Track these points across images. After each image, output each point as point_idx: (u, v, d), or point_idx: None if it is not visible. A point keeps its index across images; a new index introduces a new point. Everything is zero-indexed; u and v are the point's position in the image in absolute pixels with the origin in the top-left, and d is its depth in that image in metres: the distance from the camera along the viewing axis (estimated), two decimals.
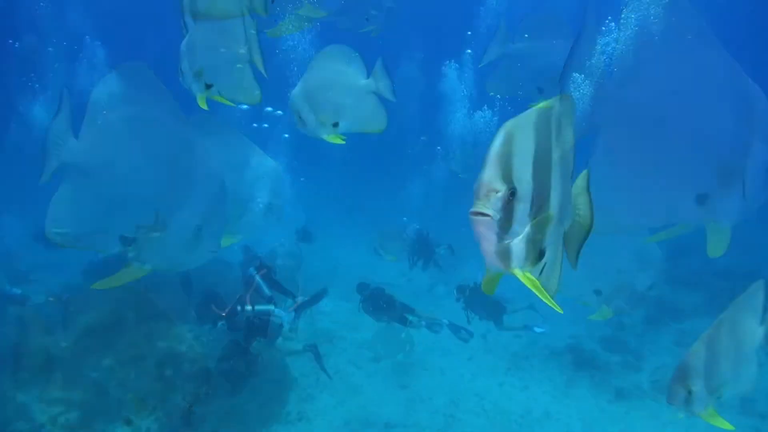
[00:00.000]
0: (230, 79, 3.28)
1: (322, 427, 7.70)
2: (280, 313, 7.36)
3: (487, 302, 8.14)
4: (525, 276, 1.94)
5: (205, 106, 3.40)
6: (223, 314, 7.27)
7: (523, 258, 1.88)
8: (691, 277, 12.89)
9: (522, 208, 1.81)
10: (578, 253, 2.17)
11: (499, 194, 1.75)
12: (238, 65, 3.29)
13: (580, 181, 2.09)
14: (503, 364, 9.47)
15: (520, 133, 1.80)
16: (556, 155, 1.87)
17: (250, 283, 8.38)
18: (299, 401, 8.16)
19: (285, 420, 7.76)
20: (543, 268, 2.00)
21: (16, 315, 9.91)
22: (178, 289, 10.47)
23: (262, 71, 3.31)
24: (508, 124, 1.82)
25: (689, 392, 2.96)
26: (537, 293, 1.96)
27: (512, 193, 1.76)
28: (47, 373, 8.11)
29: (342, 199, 20.93)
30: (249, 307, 7.29)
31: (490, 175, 1.75)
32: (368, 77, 3.34)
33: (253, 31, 3.22)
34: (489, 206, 1.77)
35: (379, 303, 8.34)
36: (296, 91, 3.30)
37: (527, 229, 1.84)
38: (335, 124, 3.37)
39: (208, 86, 3.28)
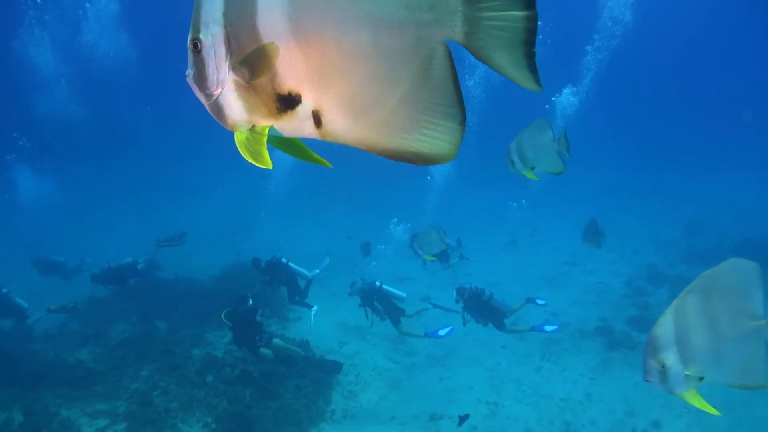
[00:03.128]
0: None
1: (369, 424, 7.71)
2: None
3: (485, 306, 8.11)
4: (686, 395, 2.73)
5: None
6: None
7: (684, 387, 2.71)
8: (709, 254, 12.96)
9: (674, 370, 2.67)
10: None
11: (656, 368, 2.69)
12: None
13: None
14: (537, 350, 9.49)
15: (659, 327, 2.66)
16: (699, 325, 2.68)
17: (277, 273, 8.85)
18: (342, 399, 8.17)
19: (331, 419, 7.76)
20: (714, 379, 2.75)
21: (43, 330, 9.91)
22: (204, 297, 10.53)
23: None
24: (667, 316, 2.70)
25: (663, 366, 2.78)
26: (694, 403, 2.74)
27: (663, 366, 2.66)
28: (86, 386, 8.09)
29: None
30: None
31: (647, 360, 2.69)
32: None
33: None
34: (652, 377, 2.71)
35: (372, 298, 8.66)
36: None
37: (683, 376, 2.68)
38: (533, 168, 4.73)
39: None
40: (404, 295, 8.83)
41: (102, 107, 25.53)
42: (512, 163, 4.75)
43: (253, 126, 1.42)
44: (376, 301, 8.65)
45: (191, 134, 23.68)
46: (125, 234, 14.45)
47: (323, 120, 1.34)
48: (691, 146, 28.41)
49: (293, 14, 1.26)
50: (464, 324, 8.30)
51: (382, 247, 12.82)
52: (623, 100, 37.68)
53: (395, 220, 14.53)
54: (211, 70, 1.40)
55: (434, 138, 1.23)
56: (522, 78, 1.21)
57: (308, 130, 1.37)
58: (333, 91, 1.30)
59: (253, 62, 1.34)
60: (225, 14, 1.34)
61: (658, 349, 2.77)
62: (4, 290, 9.43)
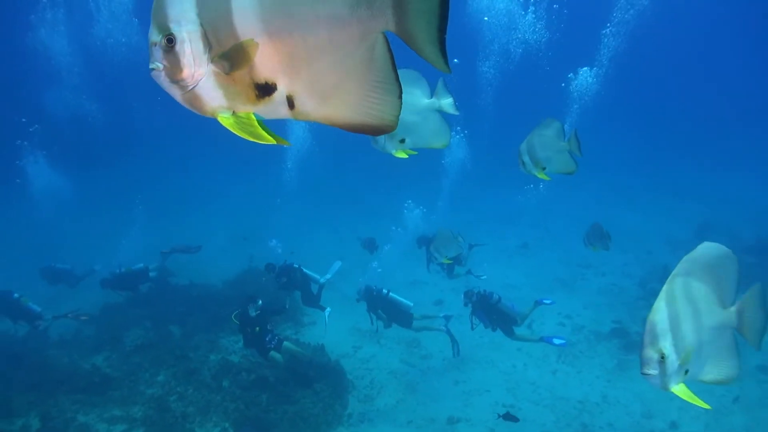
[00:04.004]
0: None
1: (386, 428, 7.69)
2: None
3: (493, 309, 8.07)
4: (677, 390, 2.69)
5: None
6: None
7: (675, 381, 2.66)
8: None
9: (671, 360, 2.60)
10: (760, 338, 2.81)
11: (655, 360, 2.60)
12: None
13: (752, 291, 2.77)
14: (553, 352, 9.44)
15: (655, 313, 2.62)
16: (686, 312, 2.66)
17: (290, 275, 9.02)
18: (359, 403, 8.16)
19: (348, 422, 7.74)
20: (691, 373, 2.71)
21: (58, 336, 9.93)
22: (217, 302, 10.53)
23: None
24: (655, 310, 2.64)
25: (662, 357, 2.63)
26: (686, 398, 2.69)
27: (662, 357, 2.59)
28: (103, 392, 8.10)
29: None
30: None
31: (646, 349, 2.61)
32: (431, 96, 3.60)
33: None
34: (650, 369, 2.61)
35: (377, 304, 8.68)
36: None
37: (676, 367, 2.62)
38: (402, 141, 3.68)
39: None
40: (411, 304, 8.83)
41: (114, 102, 25.39)
42: (523, 163, 4.69)
43: (234, 112, 1.62)
44: (381, 309, 8.65)
45: (203, 134, 23.68)
46: (136, 239, 14.47)
47: (296, 103, 1.58)
48: (702, 145, 28.31)
49: (265, 16, 1.49)
50: (472, 328, 8.25)
51: (388, 247, 12.83)
52: (635, 94, 37.33)
53: (410, 202, 14.56)
54: (187, 63, 1.55)
55: (380, 111, 1.53)
56: (435, 59, 1.48)
57: (283, 112, 1.60)
58: (302, 79, 1.55)
59: (233, 56, 1.53)
60: (199, 14, 1.53)
61: (657, 336, 2.65)
62: (16, 295, 9.45)
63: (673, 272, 2.71)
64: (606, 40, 20.97)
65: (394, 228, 13.51)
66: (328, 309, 9.13)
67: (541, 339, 8.37)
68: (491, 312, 8.09)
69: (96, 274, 11.57)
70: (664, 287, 2.68)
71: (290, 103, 1.59)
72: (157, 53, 1.57)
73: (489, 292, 8.05)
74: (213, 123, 1.70)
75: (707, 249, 2.73)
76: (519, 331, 8.30)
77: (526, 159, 4.67)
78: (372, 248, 12.13)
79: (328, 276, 9.49)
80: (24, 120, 19.50)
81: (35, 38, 21.18)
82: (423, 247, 10.17)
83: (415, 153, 3.89)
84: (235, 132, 1.61)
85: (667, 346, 2.62)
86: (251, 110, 1.61)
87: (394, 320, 8.73)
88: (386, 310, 8.69)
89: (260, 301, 7.86)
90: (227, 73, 1.55)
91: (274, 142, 1.63)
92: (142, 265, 10.88)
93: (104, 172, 24.18)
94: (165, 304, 10.60)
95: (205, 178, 23.83)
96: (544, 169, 4.71)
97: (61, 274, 11.84)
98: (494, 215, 18.11)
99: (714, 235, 14.07)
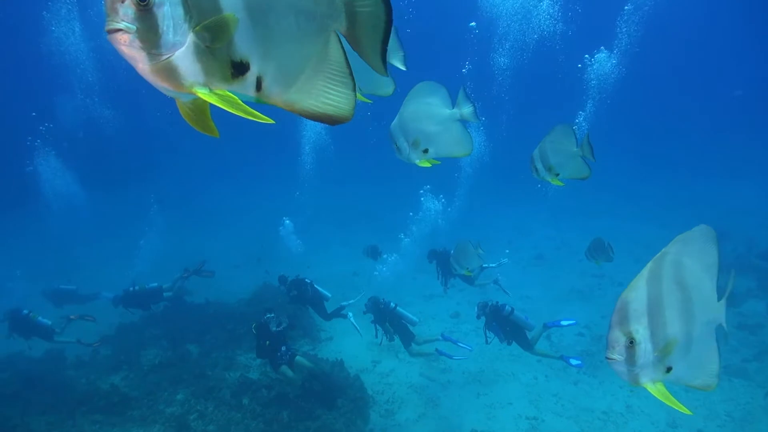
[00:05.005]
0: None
1: None
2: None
3: (506, 321, 7.92)
4: (653, 388, 2.37)
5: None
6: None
7: (650, 377, 2.35)
8: (737, 261, 12.80)
9: (643, 348, 2.29)
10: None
11: (622, 343, 2.29)
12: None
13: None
14: None
15: (632, 291, 2.33)
16: (672, 295, 2.34)
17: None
18: (380, 418, 8.07)
19: None
20: (676, 373, 2.39)
21: (75, 357, 9.89)
22: (234, 319, 10.49)
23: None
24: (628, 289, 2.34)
25: (631, 342, 2.26)
26: (664, 400, 2.37)
27: (631, 341, 2.29)
28: (122, 411, 8.04)
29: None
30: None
31: (613, 330, 2.32)
32: (453, 107, 3.68)
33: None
34: (615, 353, 2.31)
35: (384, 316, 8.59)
36: (393, 124, 3.73)
37: (651, 358, 2.30)
38: (425, 151, 3.74)
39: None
40: (416, 319, 8.76)
41: (127, 107, 25.29)
42: (536, 170, 4.68)
43: (210, 90, 1.54)
44: (388, 322, 8.58)
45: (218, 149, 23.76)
46: (150, 256, 14.48)
47: (263, 84, 1.59)
48: (713, 153, 28.20)
49: None
50: (487, 342, 8.11)
51: (391, 257, 12.78)
52: (653, 78, 36.96)
53: (428, 186, 14.50)
54: (165, 29, 1.42)
55: (337, 102, 1.59)
56: (377, 65, 1.64)
57: (251, 93, 1.59)
58: (272, 61, 1.57)
59: (215, 28, 1.47)
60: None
61: (628, 318, 2.30)
62: (25, 311, 9.43)
63: (663, 250, 2.37)
64: (624, 22, 20.78)
65: (411, 214, 13.44)
66: (350, 313, 9.09)
67: (561, 357, 8.21)
68: (504, 324, 7.98)
69: (102, 298, 11.52)
70: (649, 264, 2.35)
71: (258, 84, 1.58)
72: (127, 12, 1.40)
73: (501, 303, 7.95)
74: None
75: (706, 231, 2.42)
76: (539, 346, 8.17)
77: (539, 166, 4.66)
78: (375, 255, 12.05)
79: (352, 301, 9.37)
80: (34, 114, 19.29)
81: (50, 38, 20.97)
82: (434, 261, 10.08)
83: (439, 162, 3.94)
84: (220, 106, 1.53)
85: (639, 330, 2.28)
86: (225, 89, 1.55)
87: (399, 335, 8.64)
88: (393, 323, 8.62)
89: (285, 323, 7.86)
90: (207, 46, 1.48)
91: (264, 120, 1.58)
92: (156, 284, 10.84)
93: (116, 177, 24.14)
94: (181, 322, 10.57)
95: (221, 194, 23.89)
96: (557, 175, 4.70)
97: (66, 294, 11.83)
98: (507, 226, 18.07)
99: (729, 243, 14.02)
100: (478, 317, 8.14)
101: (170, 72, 1.47)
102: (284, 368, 7.77)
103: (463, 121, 3.74)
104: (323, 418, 7.55)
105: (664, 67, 37.99)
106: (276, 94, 1.59)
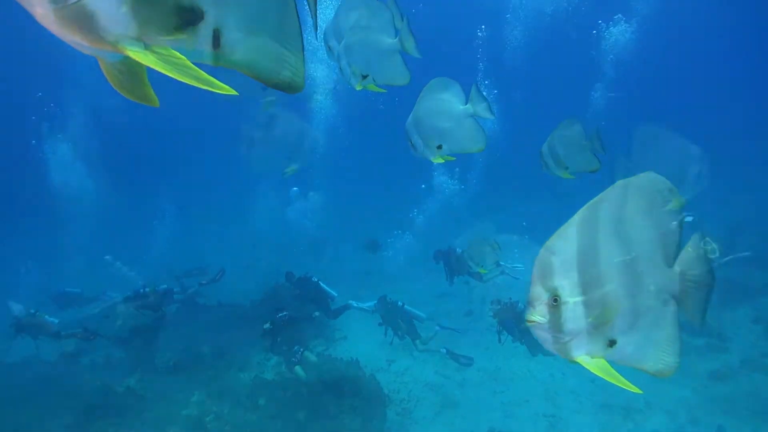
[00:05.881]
0: (383, 67, 3.58)
1: None
2: None
3: (520, 318, 7.76)
4: (590, 363, 1.95)
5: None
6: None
7: (586, 350, 1.90)
8: (755, 254, 12.64)
9: (571, 309, 1.82)
10: (704, 313, 2.07)
11: (544, 301, 1.83)
12: (390, 54, 3.52)
13: (692, 244, 2.02)
14: None
15: (558, 239, 1.87)
16: (610, 248, 1.88)
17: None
18: (397, 417, 8.03)
19: None
20: (622, 350, 1.98)
21: (89, 360, 9.89)
22: (246, 320, 10.46)
23: (416, 54, 3.50)
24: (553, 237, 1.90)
25: (555, 300, 1.82)
26: (605, 377, 1.98)
27: (555, 299, 1.83)
28: (138, 414, 8.02)
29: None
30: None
31: (534, 285, 1.86)
32: (466, 103, 3.66)
33: (402, 21, 3.43)
34: (536, 314, 1.85)
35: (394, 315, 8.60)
36: (408, 121, 3.73)
37: (585, 325, 1.84)
38: (439, 147, 3.75)
39: (364, 77, 3.60)
40: (424, 316, 8.76)
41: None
42: (546, 165, 4.70)
43: (147, 45, 1.19)
44: (400, 319, 8.57)
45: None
46: (157, 258, 14.48)
47: (222, 40, 1.29)
48: (726, 144, 27.84)
49: None
50: (500, 341, 7.98)
51: (389, 254, 12.75)
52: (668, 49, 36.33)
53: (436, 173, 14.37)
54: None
55: (295, 67, 1.39)
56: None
57: (206, 51, 1.29)
58: (232, 10, 1.28)
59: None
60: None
61: (551, 270, 1.84)
62: (32, 311, 9.42)
63: (600, 195, 1.89)
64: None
65: (415, 212, 13.36)
66: (353, 302, 9.16)
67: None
68: (519, 321, 7.90)
69: (108, 297, 11.51)
70: (581, 210, 1.89)
71: (216, 40, 1.27)
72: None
73: (515, 300, 7.85)
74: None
75: (655, 180, 1.92)
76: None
77: (549, 160, 4.67)
78: (374, 249, 12.06)
79: (362, 305, 9.35)
80: (40, 94, 19.15)
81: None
82: (440, 262, 9.98)
83: (453, 159, 3.91)
84: (160, 70, 1.17)
85: (565, 286, 1.83)
86: (166, 44, 1.21)
87: (408, 334, 8.62)
88: (403, 321, 8.58)
89: (285, 314, 7.99)
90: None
91: (224, 90, 1.22)
92: (166, 286, 10.81)
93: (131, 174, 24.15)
94: (194, 324, 10.55)
95: (229, 193, 23.86)
96: (567, 168, 4.69)
97: (71, 297, 11.83)
98: (517, 225, 17.95)
99: (746, 236, 13.86)
100: (493, 317, 8.05)
101: (85, 20, 1.09)
102: (297, 369, 7.78)
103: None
104: (340, 418, 7.50)
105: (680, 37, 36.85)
106: (235, 54, 1.30)
